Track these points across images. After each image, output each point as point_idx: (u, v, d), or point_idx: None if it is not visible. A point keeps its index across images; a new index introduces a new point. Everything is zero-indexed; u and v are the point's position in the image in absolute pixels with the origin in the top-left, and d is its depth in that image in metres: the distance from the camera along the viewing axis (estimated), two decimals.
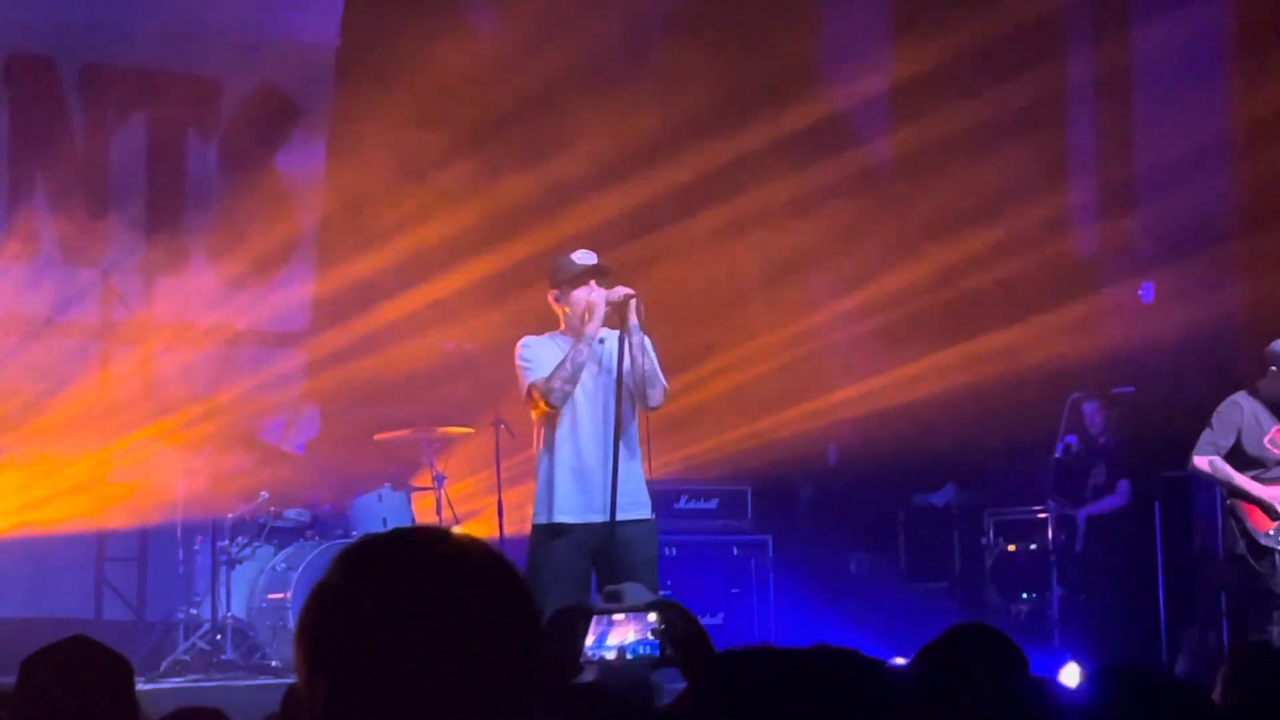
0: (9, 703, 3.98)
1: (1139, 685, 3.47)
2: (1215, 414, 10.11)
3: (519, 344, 8.42)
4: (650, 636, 3.91)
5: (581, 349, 8.23)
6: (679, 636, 3.96)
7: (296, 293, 14.17)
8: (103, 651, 4.07)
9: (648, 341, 8.33)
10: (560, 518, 8.13)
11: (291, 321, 14.22)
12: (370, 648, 2.03)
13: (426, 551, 2.12)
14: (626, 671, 3.96)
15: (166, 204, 13.55)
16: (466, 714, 2.04)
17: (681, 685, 3.84)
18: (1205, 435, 10.09)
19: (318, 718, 2.05)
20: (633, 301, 8.17)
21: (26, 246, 13.04)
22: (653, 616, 3.89)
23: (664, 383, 8.35)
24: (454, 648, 2.04)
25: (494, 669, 2.07)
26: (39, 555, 12.76)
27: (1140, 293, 13.71)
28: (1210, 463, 10.04)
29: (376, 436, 12.31)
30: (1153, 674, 4.06)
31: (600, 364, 8.32)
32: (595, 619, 3.93)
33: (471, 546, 2.16)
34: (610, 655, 3.95)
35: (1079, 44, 14.90)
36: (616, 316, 8.24)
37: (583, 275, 8.33)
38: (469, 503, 12.39)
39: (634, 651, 3.92)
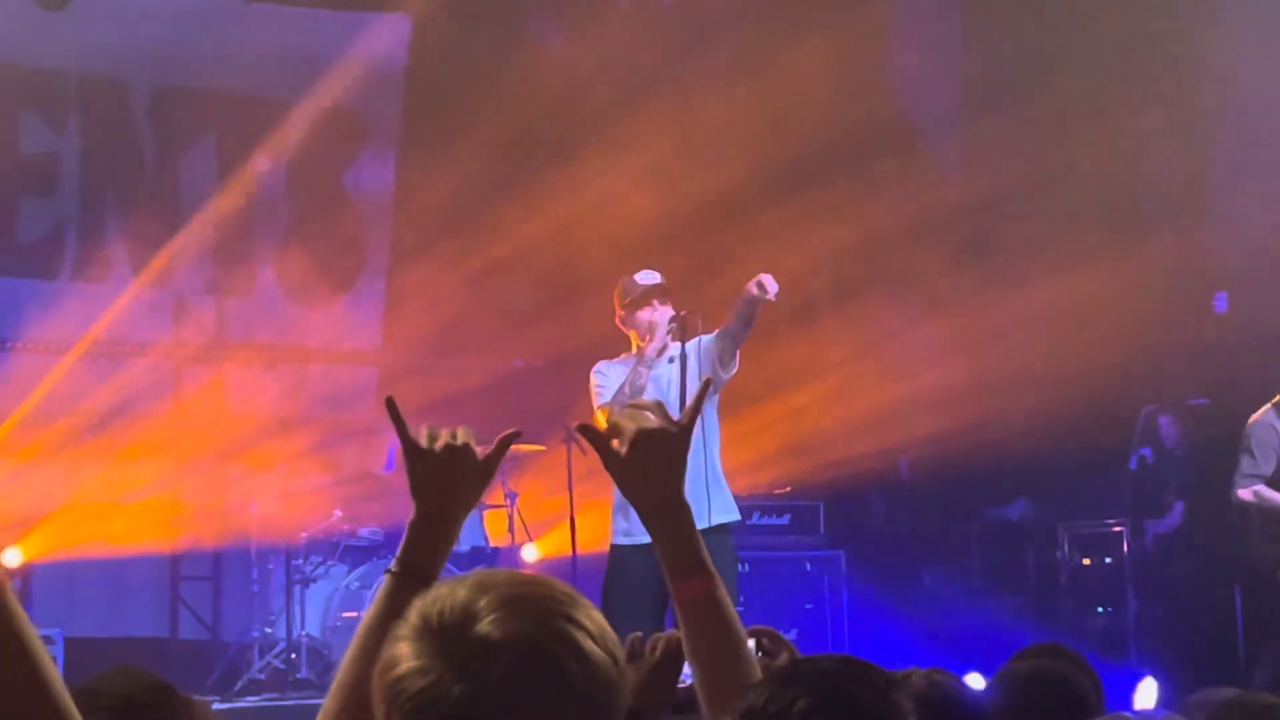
0: None
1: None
2: (1251, 439, 9.77)
3: (593, 369, 8.39)
4: None
5: (641, 370, 8.16)
6: (773, 664, 3.93)
7: (368, 311, 14.22)
8: (143, 677, 4.02)
9: (705, 340, 8.33)
10: (640, 536, 8.06)
11: (364, 340, 14.26)
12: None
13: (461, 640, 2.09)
14: None
15: (236, 225, 13.60)
16: None
17: None
18: (1245, 465, 9.72)
19: None
20: (683, 316, 8.14)
21: (98, 269, 13.13)
22: (750, 643, 3.86)
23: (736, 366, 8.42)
24: None
25: None
26: (115, 575, 12.86)
27: (1214, 303, 13.58)
28: (1255, 493, 9.78)
29: None
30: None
31: (673, 382, 8.26)
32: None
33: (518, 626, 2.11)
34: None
35: None
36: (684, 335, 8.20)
37: (645, 295, 8.29)
38: (541, 519, 12.38)
39: None
